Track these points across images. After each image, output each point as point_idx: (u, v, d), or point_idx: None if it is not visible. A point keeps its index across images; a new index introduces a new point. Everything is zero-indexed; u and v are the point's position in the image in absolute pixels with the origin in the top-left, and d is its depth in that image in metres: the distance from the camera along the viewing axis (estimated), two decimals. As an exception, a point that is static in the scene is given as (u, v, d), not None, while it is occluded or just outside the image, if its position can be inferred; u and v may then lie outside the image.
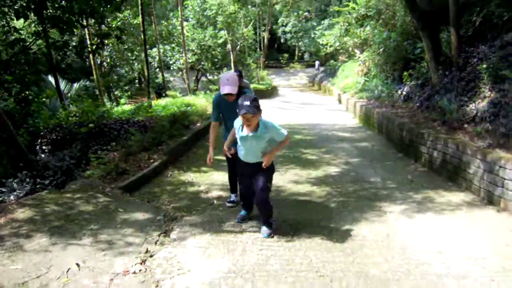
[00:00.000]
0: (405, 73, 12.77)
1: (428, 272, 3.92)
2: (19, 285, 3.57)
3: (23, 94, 9.52)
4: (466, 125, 7.93)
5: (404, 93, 12.52)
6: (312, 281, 3.76)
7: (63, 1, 8.39)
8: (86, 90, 18.65)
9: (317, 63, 36.47)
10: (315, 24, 37.35)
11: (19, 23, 10.57)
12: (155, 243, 4.58)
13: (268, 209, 4.79)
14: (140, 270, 3.95)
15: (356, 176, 7.39)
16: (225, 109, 5.48)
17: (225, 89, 5.14)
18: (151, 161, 7.64)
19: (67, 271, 3.86)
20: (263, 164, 4.60)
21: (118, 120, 10.03)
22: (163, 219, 5.26)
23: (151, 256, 4.26)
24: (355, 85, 18.82)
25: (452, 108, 8.65)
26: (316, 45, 34.83)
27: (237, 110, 4.40)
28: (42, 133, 9.55)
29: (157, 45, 22.21)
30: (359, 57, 19.75)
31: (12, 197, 5.94)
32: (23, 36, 9.32)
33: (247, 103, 4.30)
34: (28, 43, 8.53)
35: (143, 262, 4.11)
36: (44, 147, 9.03)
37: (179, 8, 23.38)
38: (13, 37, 8.98)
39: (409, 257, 4.21)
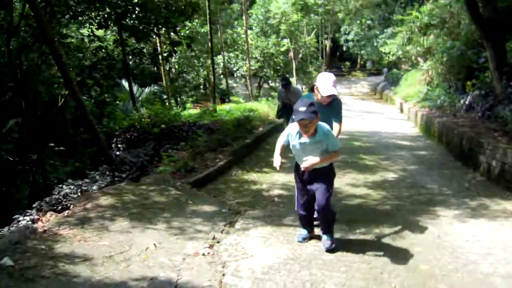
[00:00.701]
0: (468, 82, 12.67)
1: (476, 270, 4.16)
2: (106, 258, 4.16)
3: (101, 97, 10.40)
4: (528, 136, 7.93)
5: (466, 102, 12.44)
6: (364, 271, 4.11)
7: (140, 13, 9.11)
8: (154, 94, 19.69)
9: (385, 70, 36.07)
10: (378, 32, 37.02)
11: (100, 32, 11.50)
12: (222, 231, 5.09)
13: (331, 215, 4.64)
14: (208, 253, 4.46)
15: (412, 182, 7.59)
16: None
17: (331, 90, 4.82)
18: (217, 160, 8.20)
19: (146, 250, 4.43)
20: (303, 166, 4.39)
21: (186, 123, 10.71)
22: (228, 212, 5.78)
23: (218, 242, 4.77)
24: (417, 94, 18.65)
25: (513, 118, 8.64)
26: (378, 54, 34.54)
27: (293, 116, 4.30)
28: (117, 133, 10.38)
29: (222, 53, 23.03)
30: (422, 66, 19.60)
31: (95, 187, 6.63)
32: (105, 44, 10.20)
33: (303, 108, 4.15)
34: (110, 51, 9.36)
35: (211, 246, 4.62)
36: (119, 145, 9.82)
37: (243, 17, 24.13)
38: (96, 45, 9.88)
39: (458, 256, 4.45)
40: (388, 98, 26.82)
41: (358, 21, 40.51)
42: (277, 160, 4.65)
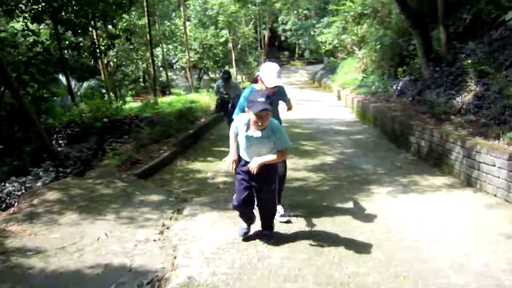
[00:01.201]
0: (399, 69, 13.38)
1: (405, 238, 4.59)
2: (59, 249, 4.26)
3: (39, 93, 10.19)
4: (452, 117, 8.56)
5: (398, 88, 13.14)
6: (306, 245, 4.43)
7: (77, 6, 9.01)
8: (92, 89, 19.33)
9: (325, 58, 36.79)
10: (314, 22, 37.87)
11: (34, 26, 11.20)
12: (170, 218, 5.28)
13: (273, 213, 4.62)
14: (159, 239, 4.64)
15: (350, 164, 8.05)
16: None
17: (276, 81, 4.69)
18: (161, 151, 8.33)
19: (98, 239, 4.55)
20: (250, 166, 4.16)
21: (128, 116, 10.72)
22: (175, 200, 5.96)
23: (167, 228, 4.96)
24: (354, 82, 19.33)
25: (440, 102, 9.29)
26: (316, 43, 35.31)
27: (247, 107, 4.07)
28: (57, 129, 10.24)
29: (160, 45, 22.88)
30: (357, 54, 20.34)
31: (39, 184, 6.63)
32: (41, 39, 9.99)
33: (262, 99, 3.97)
34: (46, 45, 9.20)
35: (161, 232, 4.81)
36: (60, 142, 9.71)
37: (181, 8, 24.03)
38: (30, 40, 9.66)
39: (390, 228, 4.88)
40: (326, 86, 27.48)
41: (295, 11, 41.18)
42: (231, 155, 4.36)
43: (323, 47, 26.01)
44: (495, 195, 5.81)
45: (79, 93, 16.14)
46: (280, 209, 5.16)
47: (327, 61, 34.73)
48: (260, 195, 4.42)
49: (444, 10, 10.62)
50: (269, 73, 4.76)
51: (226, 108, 10.58)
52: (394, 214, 5.31)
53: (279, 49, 48.88)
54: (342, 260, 4.04)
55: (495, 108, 7.58)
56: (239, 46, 28.79)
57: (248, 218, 4.61)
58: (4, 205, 6.02)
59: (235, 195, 4.51)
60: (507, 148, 5.86)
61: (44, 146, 7.54)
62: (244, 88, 8.16)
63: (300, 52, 47.93)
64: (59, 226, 4.81)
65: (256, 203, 4.52)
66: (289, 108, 5.59)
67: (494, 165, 5.84)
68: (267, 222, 4.60)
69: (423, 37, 11.19)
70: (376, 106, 12.47)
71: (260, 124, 4.05)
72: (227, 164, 4.37)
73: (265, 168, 4.22)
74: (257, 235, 4.61)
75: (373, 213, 5.35)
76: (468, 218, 5.12)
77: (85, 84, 17.24)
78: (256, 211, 4.66)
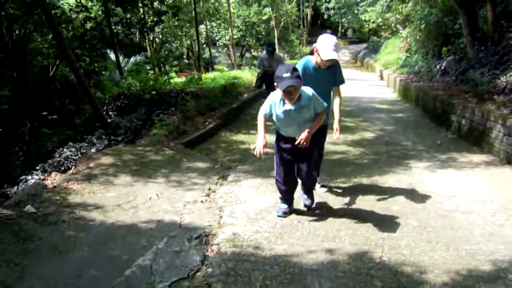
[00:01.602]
0: (444, 48, 13.21)
1: (441, 208, 4.77)
2: (115, 206, 4.67)
3: (91, 67, 10.71)
4: (495, 96, 8.50)
5: (442, 67, 13.01)
6: (343, 212, 4.68)
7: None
8: (138, 64, 19.89)
9: (371, 37, 36.25)
10: (358, 0, 37.30)
11: (84, 2, 11.68)
12: (216, 183, 5.64)
13: (314, 182, 4.85)
14: (206, 200, 5.01)
15: (389, 140, 8.19)
16: (315, 77, 4.74)
17: (331, 54, 4.49)
18: (206, 123, 8.69)
19: (150, 199, 4.95)
20: (301, 141, 4.09)
21: (173, 90, 11.10)
22: (220, 168, 6.33)
23: (213, 192, 5.32)
24: (397, 61, 19.15)
25: (483, 81, 9.22)
26: (359, 22, 34.83)
27: (276, 83, 3.96)
28: (107, 101, 10.74)
29: (204, 22, 23.19)
30: (401, 34, 20.08)
31: (93, 150, 7.09)
32: (93, 15, 10.46)
33: (287, 74, 3.84)
34: (98, 21, 9.65)
35: (208, 195, 5.17)
36: (110, 113, 10.18)
37: (225, -15, 24.24)
38: (83, 15, 10.14)
39: (425, 198, 5.05)
40: (369, 66, 27.28)
41: (340, -12, 40.61)
42: (260, 140, 4.16)
43: (367, 26, 25.71)
44: (534, 172, 5.87)
45: (126, 68, 16.66)
46: (319, 180, 5.34)
47: (371, 40, 34.25)
48: (302, 167, 4.47)
49: (492, -13, 10.44)
50: (325, 45, 4.54)
51: (270, 81, 10.45)
52: (430, 187, 5.47)
53: (322, 27, 48.35)
54: (378, 225, 4.27)
55: (540, 87, 7.52)
56: (281, 24, 28.76)
57: (289, 199, 4.65)
58: (62, 168, 6.49)
59: (276, 173, 4.53)
60: (548, 126, 5.88)
61: (98, 116, 8.02)
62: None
63: (343, 31, 47.32)
64: (114, 186, 5.24)
65: (298, 175, 4.56)
66: (337, 94, 5.11)
67: (534, 143, 5.89)
68: (308, 189, 4.71)
69: (469, 16, 11.03)
70: (418, 85, 12.42)
71: (290, 99, 3.98)
72: (257, 150, 4.12)
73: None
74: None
75: (410, 186, 5.53)
76: (505, 192, 5.23)
77: (132, 60, 17.82)
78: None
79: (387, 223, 4.33)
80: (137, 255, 3.62)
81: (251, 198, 5.02)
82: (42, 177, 6.04)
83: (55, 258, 3.55)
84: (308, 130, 4.13)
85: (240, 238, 3.98)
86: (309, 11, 40.09)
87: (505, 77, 8.89)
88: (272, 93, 4.24)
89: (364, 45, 35.57)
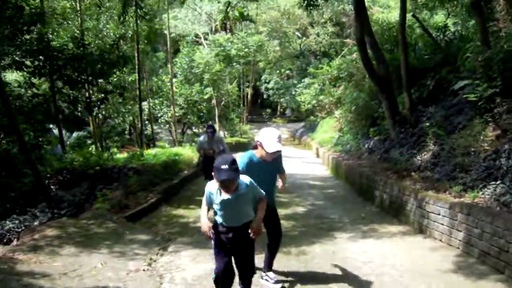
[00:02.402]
0: (371, 129, 14.49)
1: (358, 273, 5.42)
2: (62, 274, 4.99)
3: (35, 141, 10.99)
4: (412, 173, 9.51)
5: (369, 147, 14.22)
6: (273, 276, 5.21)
7: (77, 64, 9.99)
8: (79, 139, 20.13)
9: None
10: (295, 82, 39.50)
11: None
12: (157, 254, 6.06)
13: (253, 271, 4.54)
14: (148, 269, 5.41)
15: (318, 214, 8.92)
16: (260, 171, 4.83)
17: (276, 146, 4.68)
18: (148, 198, 9.13)
19: (94, 268, 5.29)
20: (252, 235, 4.16)
21: (116, 166, 11.51)
22: (161, 239, 6.75)
23: (154, 261, 5.73)
24: (331, 140, 20.34)
25: (402, 159, 10.32)
26: (296, 102, 36.81)
27: (216, 175, 3.87)
28: (48, 175, 10.95)
29: (147, 99, 23.96)
30: (335, 114, 21.59)
31: (36, 222, 7.34)
32: (42, 92, 10.93)
33: (226, 166, 3.82)
34: (45, 98, 10.12)
35: (149, 264, 5.58)
36: (52, 187, 10.41)
37: (168, 66, 25.32)
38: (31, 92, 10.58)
39: (347, 265, 5.70)
40: (306, 144, 28.58)
41: (278, 71, 43.02)
42: (205, 225, 4.21)
43: (303, 106, 27.31)
44: (440, 240, 6.70)
45: (68, 143, 16.92)
46: (272, 276, 5.22)
47: (308, 119, 36.09)
48: (242, 257, 4.34)
49: (407, 78, 11.84)
50: (269, 138, 4.72)
51: (210, 165, 9.80)
52: (351, 254, 6.15)
53: (261, 106, 50.42)
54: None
55: (447, 166, 8.58)
56: (222, 102, 30.00)
57: None
58: (5, 240, 6.69)
59: (214, 266, 4.38)
60: (450, 199, 6.80)
61: (41, 188, 8.28)
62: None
63: (281, 110, 49.54)
64: (60, 257, 5.55)
65: (236, 266, 4.38)
66: (284, 180, 5.50)
67: (439, 214, 6.77)
68: (248, 282, 4.46)
69: (390, 101, 12.35)
70: (348, 163, 13.48)
71: (226, 190, 3.99)
72: (206, 235, 4.21)
73: (246, 228, 4.20)
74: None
75: (333, 254, 6.18)
76: (414, 258, 5.99)
77: (75, 135, 18.12)
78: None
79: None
80: (84, 318, 3.98)
81: (190, 266, 5.47)
82: (-16, 249, 6.21)
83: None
84: (257, 220, 4.21)
85: (179, 302, 4.41)
86: (249, 91, 41.90)
87: (420, 156, 10.00)
88: (209, 183, 4.22)
89: (302, 123, 37.33)
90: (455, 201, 6.64)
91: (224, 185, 3.94)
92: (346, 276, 5.30)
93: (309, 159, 21.04)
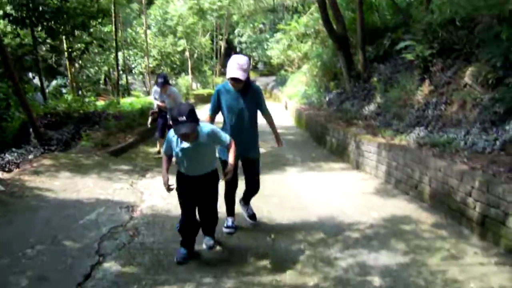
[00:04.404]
0: (331, 83, 15.86)
1: (296, 193, 6.90)
2: (62, 190, 6.29)
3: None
4: (360, 122, 10.98)
5: (328, 99, 15.62)
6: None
7: (60, 17, 10.88)
8: (57, 88, 20.95)
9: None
10: (268, 36, 40.39)
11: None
12: (137, 178, 7.40)
13: (216, 221, 4.60)
14: (130, 187, 6.75)
15: (276, 154, 10.32)
16: (229, 100, 4.82)
17: (234, 73, 4.50)
18: (126, 138, 10.36)
19: (87, 186, 6.60)
20: (226, 177, 4.22)
21: (96, 111, 12.64)
22: (140, 169, 8.07)
23: (135, 183, 7.08)
24: (299, 93, 21.71)
25: (353, 110, 11.75)
26: (268, 56, 37.83)
27: (174, 127, 3.86)
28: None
29: (122, 50, 24.72)
30: (303, 69, 22.82)
31: (31, 156, 8.50)
32: (27, 42, 11.84)
33: (183, 118, 3.74)
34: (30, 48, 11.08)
35: (131, 185, 6.93)
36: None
37: (142, 17, 25.98)
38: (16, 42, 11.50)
39: (290, 189, 7.15)
40: (276, 97, 29.69)
41: (251, 25, 43.62)
42: (165, 178, 4.25)
43: (273, 60, 28.40)
44: (370, 173, 8.22)
45: (47, 91, 17.78)
46: (230, 220, 5.26)
47: (279, 73, 37.23)
48: (205, 206, 4.40)
49: (362, 37, 13.10)
50: (230, 64, 4.56)
51: (160, 120, 9.42)
52: (296, 183, 7.61)
53: (234, 60, 51.16)
54: (257, 203, 6.18)
55: (387, 115, 10.03)
56: (195, 55, 30.90)
57: (190, 242, 4.49)
58: (6, 169, 7.86)
59: (180, 218, 4.45)
60: (380, 140, 8.27)
61: (33, 127, 9.39)
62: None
63: (253, 64, 50.42)
64: (58, 179, 6.84)
65: (199, 215, 4.47)
66: (269, 123, 5.52)
67: (370, 152, 8.26)
68: (211, 230, 4.59)
69: (346, 58, 13.66)
70: (308, 114, 14.88)
71: (186, 140, 3.99)
72: (166, 187, 4.25)
73: (208, 177, 4.27)
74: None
75: (281, 182, 7.63)
76: (345, 185, 7.49)
77: (53, 83, 18.95)
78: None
79: (260, 202, 6.31)
80: (85, 215, 5.34)
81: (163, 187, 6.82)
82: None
83: (29, 214, 5.19)
84: (228, 165, 4.22)
85: (156, 207, 5.81)
86: (222, 44, 42.63)
87: (368, 107, 11.44)
88: (170, 131, 4.16)
89: (273, 77, 38.45)
90: (382, 141, 8.11)
91: (183, 137, 3.92)
92: (287, 195, 6.76)
93: (277, 112, 22.27)
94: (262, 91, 4.91)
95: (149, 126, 9.92)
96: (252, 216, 5.47)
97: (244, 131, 4.96)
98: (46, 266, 3.94)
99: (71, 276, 3.78)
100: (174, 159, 4.29)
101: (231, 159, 4.25)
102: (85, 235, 4.74)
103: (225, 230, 5.13)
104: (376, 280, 4.01)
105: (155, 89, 9.46)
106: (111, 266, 4.08)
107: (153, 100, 9.71)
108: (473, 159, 5.96)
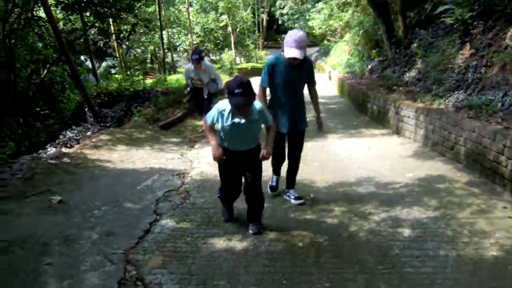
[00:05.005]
0: (373, 51, 15.88)
1: (336, 156, 7.27)
2: (119, 161, 6.92)
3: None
4: (401, 88, 11.12)
5: (370, 67, 15.69)
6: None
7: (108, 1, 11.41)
8: (108, 68, 21.91)
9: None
10: (309, 6, 39.98)
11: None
12: (186, 149, 7.95)
13: (262, 203, 4.43)
14: (180, 157, 7.31)
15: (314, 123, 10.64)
16: (283, 74, 4.70)
17: (293, 53, 4.36)
18: (175, 113, 10.95)
19: (142, 157, 7.19)
20: (264, 154, 4.09)
21: (145, 89, 13.31)
22: (189, 141, 8.66)
23: (185, 153, 7.64)
24: (342, 63, 21.74)
25: (394, 77, 11.85)
26: (310, 27, 37.57)
27: (228, 97, 3.79)
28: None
29: (166, 29, 25.34)
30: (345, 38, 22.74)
31: (89, 133, 9.25)
32: (79, 27, 12.56)
33: (240, 90, 3.65)
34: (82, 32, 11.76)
35: (182, 155, 7.49)
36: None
37: (185, -5, 26.53)
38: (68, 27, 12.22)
39: (330, 153, 7.53)
40: (320, 68, 29.70)
41: (293, -4, 43.25)
42: (219, 151, 4.11)
43: (314, 31, 28.30)
44: (409, 137, 8.45)
45: (98, 72, 18.69)
46: (294, 192, 5.29)
47: (322, 44, 36.93)
48: (250, 181, 4.28)
49: (402, 2, 13.07)
50: (288, 42, 4.42)
51: (198, 98, 9.29)
52: (336, 147, 7.98)
53: (277, 32, 50.94)
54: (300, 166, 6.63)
55: (428, 81, 10.13)
56: (237, 29, 31.16)
57: (230, 210, 4.66)
58: (68, 145, 8.62)
59: (220, 188, 4.56)
60: (418, 105, 8.45)
61: (89, 106, 10.13)
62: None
63: (297, 35, 50.05)
64: (115, 151, 7.48)
65: (245, 194, 4.39)
66: (314, 101, 5.38)
67: (409, 117, 8.46)
68: (258, 215, 4.44)
69: (387, 25, 13.66)
70: (350, 82, 15.05)
71: (242, 114, 3.88)
72: (218, 159, 4.14)
73: (251, 153, 4.18)
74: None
75: (322, 147, 7.99)
76: (384, 149, 7.79)
77: (104, 64, 19.89)
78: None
79: (302, 166, 6.71)
80: (142, 181, 5.91)
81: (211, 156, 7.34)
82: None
83: (94, 181, 5.83)
84: (268, 145, 4.15)
85: (205, 173, 6.33)
86: (264, 17, 42.60)
87: (409, 73, 11.52)
88: (220, 102, 4.02)
89: (317, 48, 38.26)
90: (421, 106, 8.29)
91: (238, 110, 3.81)
92: (327, 159, 7.14)
93: (321, 81, 22.35)
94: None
95: (186, 104, 10.21)
96: (298, 197, 5.25)
97: (295, 104, 4.94)
98: (111, 223, 4.51)
99: (133, 231, 4.33)
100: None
101: (271, 139, 4.21)
102: (143, 198, 5.30)
103: (269, 191, 5.34)
104: (406, 231, 4.36)
105: (188, 68, 9.27)
106: (167, 222, 4.61)
107: (188, 80, 9.41)
108: (508, 119, 6.12)
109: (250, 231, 4.35)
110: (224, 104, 3.94)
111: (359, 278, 3.52)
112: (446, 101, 8.24)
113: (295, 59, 4.41)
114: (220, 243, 4.15)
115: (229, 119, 3.91)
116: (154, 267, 3.66)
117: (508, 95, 6.90)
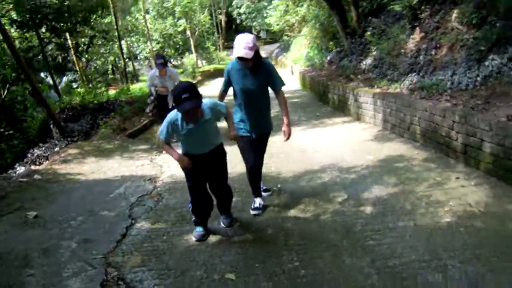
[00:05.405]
0: (331, 43, 16.26)
1: (300, 147, 7.55)
2: (91, 173, 7.04)
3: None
4: (359, 76, 11.50)
5: (329, 59, 16.07)
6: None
7: (63, 15, 11.48)
8: (69, 83, 21.74)
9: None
10: (266, 4, 40.32)
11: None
12: (155, 154, 8.11)
13: (231, 197, 4.61)
14: (150, 163, 7.48)
15: (281, 116, 10.92)
16: (239, 78, 4.71)
17: (240, 52, 4.32)
18: (141, 121, 11.06)
19: (112, 167, 7.33)
20: (233, 138, 4.35)
21: (109, 100, 13.35)
22: (156, 147, 8.76)
23: (154, 159, 7.79)
24: (302, 57, 22.08)
25: (351, 66, 12.23)
26: (268, 24, 37.93)
27: (174, 105, 3.73)
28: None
29: (125, 38, 25.26)
30: (303, 32, 23.10)
31: (57, 148, 9.28)
32: (36, 45, 12.53)
33: (186, 94, 3.60)
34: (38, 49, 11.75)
35: (151, 161, 7.65)
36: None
37: (140, 3, 26.36)
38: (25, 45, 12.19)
39: (294, 144, 7.78)
40: (282, 63, 29.99)
41: (248, -6, 43.52)
42: (184, 159, 4.11)
43: (272, 28, 28.64)
44: (369, 122, 8.82)
45: (60, 87, 18.55)
46: (257, 201, 5.07)
47: (282, 40, 37.28)
48: (217, 181, 4.36)
49: (354, -7, 13.46)
50: (237, 43, 4.41)
51: (164, 105, 8.84)
52: (299, 138, 8.26)
53: (236, 32, 50.99)
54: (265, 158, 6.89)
55: (383, 66, 10.53)
56: (196, 33, 31.24)
57: (205, 219, 4.48)
58: (37, 163, 8.65)
59: (190, 198, 4.42)
60: (374, 91, 8.82)
61: (55, 123, 10.15)
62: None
63: (256, 33, 50.41)
64: (86, 164, 7.60)
65: (213, 193, 4.45)
66: (281, 104, 5.07)
67: (367, 103, 8.83)
68: (227, 208, 4.62)
69: (340, 16, 14.03)
70: (311, 75, 15.42)
71: (193, 119, 3.85)
72: (186, 165, 4.12)
73: (213, 153, 4.19)
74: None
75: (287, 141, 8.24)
76: (345, 135, 8.15)
77: (64, 79, 19.74)
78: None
79: (267, 159, 6.97)
80: (114, 190, 6.08)
81: (181, 158, 7.55)
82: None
83: (66, 194, 5.96)
84: (232, 131, 4.33)
85: (175, 176, 6.52)
86: (222, 18, 42.80)
87: (365, 61, 11.91)
88: (169, 114, 4.01)
89: (277, 44, 38.59)
90: (377, 91, 8.67)
91: (189, 115, 3.77)
92: (292, 150, 7.42)
93: (284, 77, 22.46)
94: (274, 67, 4.78)
95: (149, 114, 9.76)
96: (266, 190, 5.45)
97: (256, 108, 4.83)
98: (89, 231, 4.67)
99: (111, 236, 4.51)
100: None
101: (232, 128, 4.33)
102: (117, 205, 5.47)
103: (252, 212, 4.93)
104: (368, 209, 4.68)
105: (152, 74, 9.01)
106: (143, 225, 4.80)
107: (150, 88, 9.13)
108: (456, 96, 6.53)
109: (222, 225, 4.57)
110: (174, 115, 3.92)
111: (325, 255, 3.81)
112: (401, 84, 8.62)
113: (243, 59, 4.39)
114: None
115: (184, 127, 3.90)
116: (134, 266, 3.86)
117: (456, 74, 7.32)
